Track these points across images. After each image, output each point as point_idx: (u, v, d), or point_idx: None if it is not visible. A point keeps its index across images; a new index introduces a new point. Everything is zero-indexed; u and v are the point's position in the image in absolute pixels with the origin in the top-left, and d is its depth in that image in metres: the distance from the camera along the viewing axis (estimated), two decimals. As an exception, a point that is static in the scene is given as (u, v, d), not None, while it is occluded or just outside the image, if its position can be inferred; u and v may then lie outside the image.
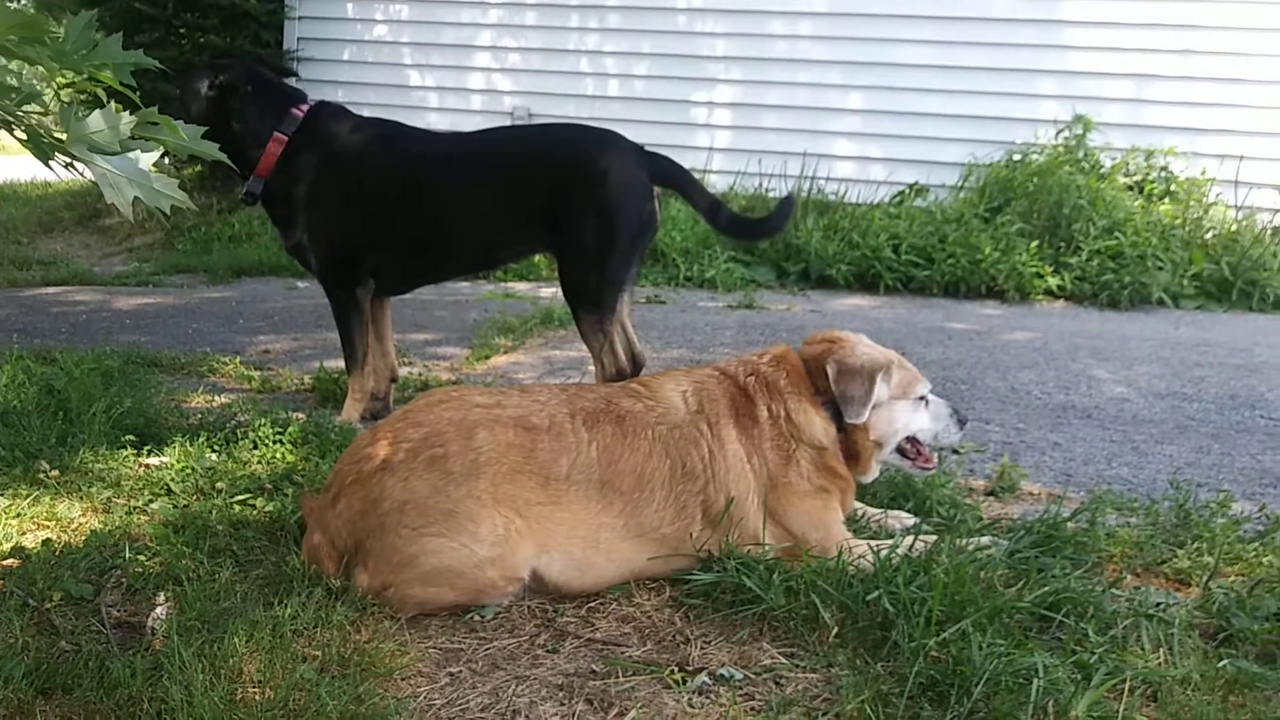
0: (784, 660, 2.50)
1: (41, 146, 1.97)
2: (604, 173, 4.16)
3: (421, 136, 4.65)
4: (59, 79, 2.14)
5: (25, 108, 2.07)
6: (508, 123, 10.95)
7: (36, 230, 12.16)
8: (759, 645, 2.58)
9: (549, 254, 4.55)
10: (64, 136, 1.97)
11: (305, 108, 4.53)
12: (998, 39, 9.77)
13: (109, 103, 2.03)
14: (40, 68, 2.00)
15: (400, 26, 11.74)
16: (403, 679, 2.40)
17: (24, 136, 1.98)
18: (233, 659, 2.30)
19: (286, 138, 4.45)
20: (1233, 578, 2.92)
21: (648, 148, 4.34)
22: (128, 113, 2.01)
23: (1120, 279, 8.20)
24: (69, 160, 2.02)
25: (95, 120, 1.95)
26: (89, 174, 2.01)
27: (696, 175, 4.58)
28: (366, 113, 4.73)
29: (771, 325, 7.01)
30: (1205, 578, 2.89)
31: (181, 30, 11.21)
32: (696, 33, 10.70)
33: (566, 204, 4.19)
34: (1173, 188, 9.17)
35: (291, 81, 4.73)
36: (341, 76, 11.60)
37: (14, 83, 2.02)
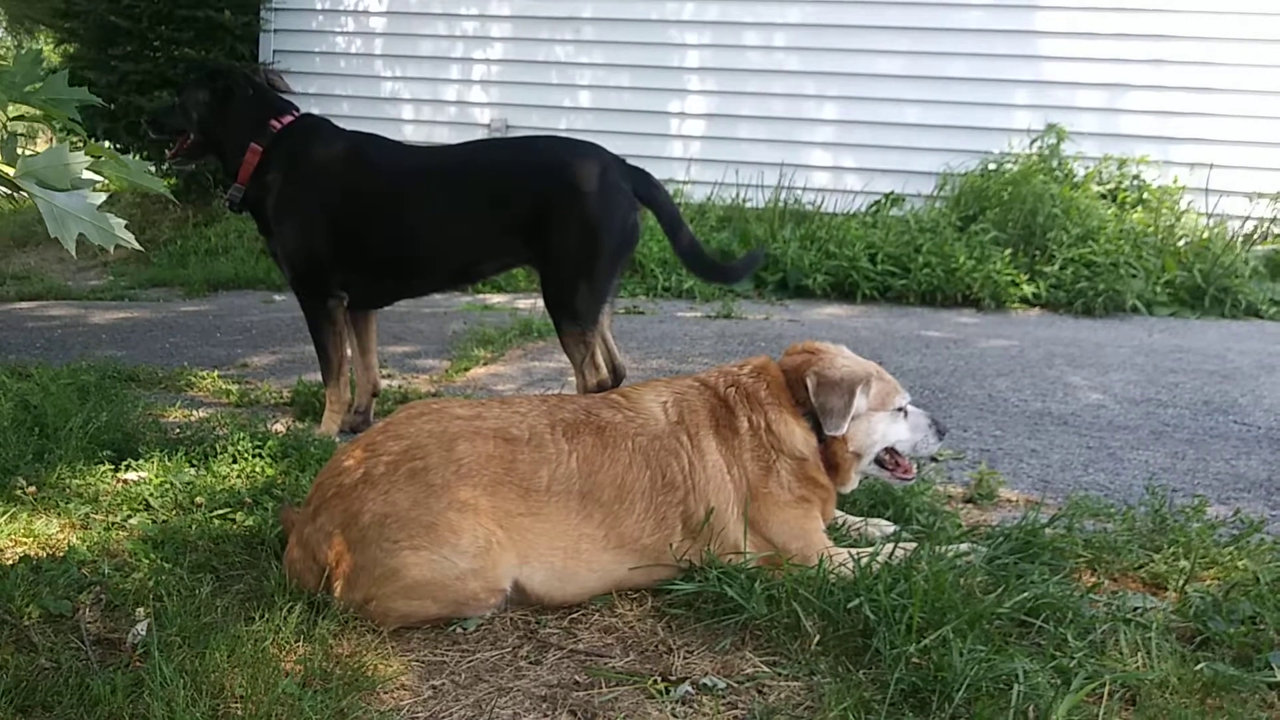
0: (766, 669, 2.51)
1: None
2: (587, 185, 4.17)
3: (396, 151, 4.63)
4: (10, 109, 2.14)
5: None
6: (484, 134, 10.96)
7: (9, 245, 12.06)
8: (741, 654, 2.59)
9: (530, 267, 4.55)
10: (8, 170, 1.97)
11: (287, 120, 4.54)
12: (972, 49, 9.85)
13: (65, 136, 2.04)
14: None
15: (376, 39, 11.73)
16: (386, 692, 2.40)
17: None
18: (214, 674, 2.29)
19: (261, 149, 4.47)
20: (1208, 582, 2.95)
21: (627, 160, 4.36)
22: (81, 147, 2.01)
23: (1094, 286, 8.26)
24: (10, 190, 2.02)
25: (48, 156, 1.95)
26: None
27: (675, 186, 4.60)
28: (344, 125, 4.72)
29: (750, 335, 7.03)
30: (1181, 582, 2.91)
31: (156, 43, 11.14)
32: (672, 44, 10.73)
33: (549, 216, 4.19)
34: (1145, 196, 9.26)
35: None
36: (318, 89, 11.56)
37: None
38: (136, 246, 2.08)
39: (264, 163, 4.48)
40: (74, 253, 2.02)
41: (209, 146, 4.62)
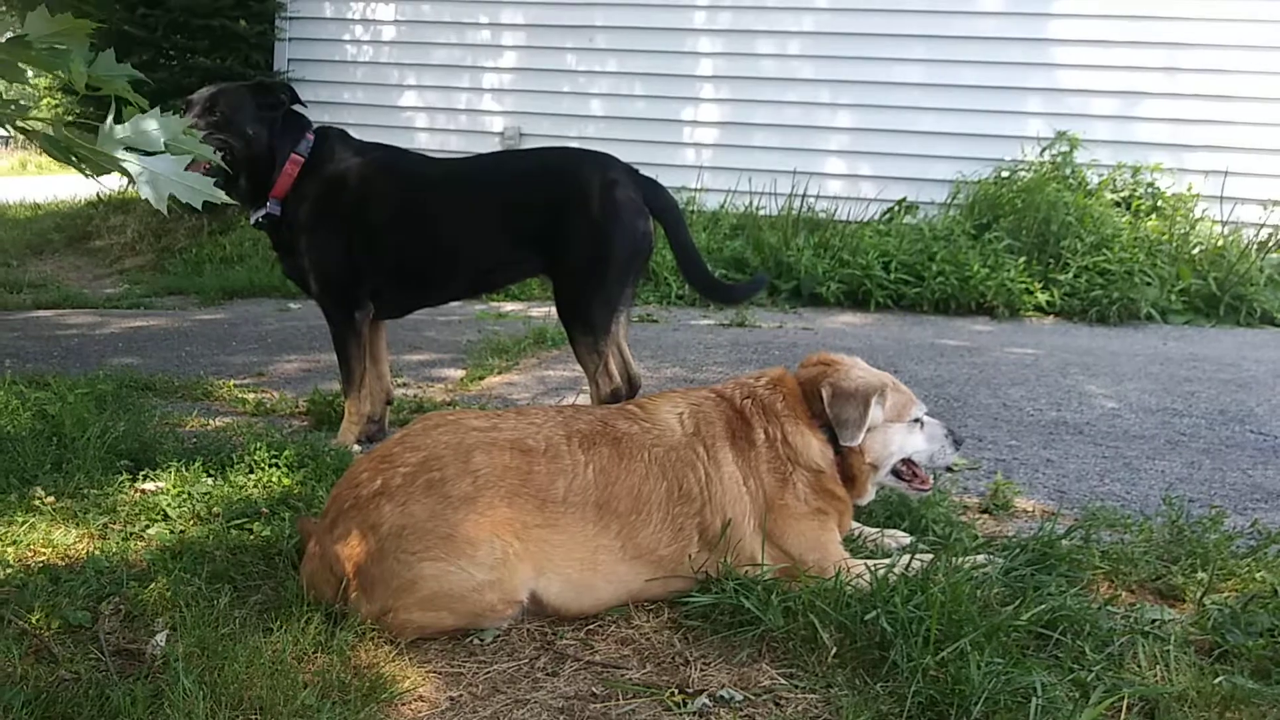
0: (783, 681, 2.51)
1: (59, 149, 2.02)
2: (599, 194, 4.19)
3: (419, 161, 4.68)
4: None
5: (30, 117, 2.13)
6: (498, 143, 11.00)
7: (26, 253, 12.13)
8: (758, 666, 2.59)
9: (544, 276, 4.56)
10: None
11: (311, 133, 4.55)
12: (986, 57, 9.85)
13: (124, 109, 2.10)
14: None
15: (391, 48, 11.78)
16: (404, 704, 2.41)
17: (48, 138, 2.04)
18: (234, 685, 2.30)
19: (302, 159, 4.46)
20: (1227, 593, 2.94)
21: (640, 168, 4.38)
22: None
23: (1109, 295, 8.25)
24: (78, 162, 2.07)
25: (146, 122, 2.01)
26: (107, 183, 2.08)
27: (688, 194, 4.60)
28: (356, 135, 4.74)
29: (764, 344, 7.03)
30: (1199, 594, 2.90)
31: (172, 52, 11.22)
32: (686, 52, 10.75)
33: (561, 226, 4.21)
34: (1159, 204, 9.25)
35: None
36: (332, 98, 11.61)
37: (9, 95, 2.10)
38: (228, 200, 2.14)
39: (301, 175, 4.46)
40: (165, 212, 2.08)
41: (249, 161, 4.42)
